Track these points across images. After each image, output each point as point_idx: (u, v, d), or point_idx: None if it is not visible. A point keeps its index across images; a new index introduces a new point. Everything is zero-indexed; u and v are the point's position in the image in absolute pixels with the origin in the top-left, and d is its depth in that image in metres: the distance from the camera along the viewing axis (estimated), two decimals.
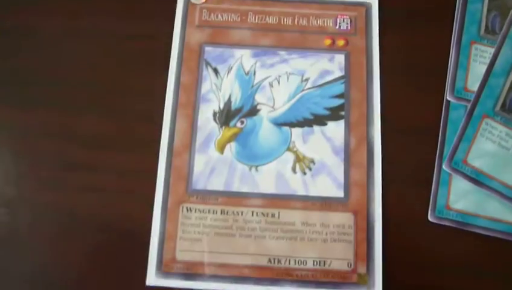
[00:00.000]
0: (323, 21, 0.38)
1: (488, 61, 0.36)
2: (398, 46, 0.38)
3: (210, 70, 0.37)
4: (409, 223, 0.34)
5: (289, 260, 0.33)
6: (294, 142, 0.36)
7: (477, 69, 0.37)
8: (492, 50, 0.36)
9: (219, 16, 0.38)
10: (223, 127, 0.36)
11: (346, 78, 0.37)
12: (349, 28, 0.38)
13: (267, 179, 0.35)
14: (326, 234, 0.34)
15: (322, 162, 0.35)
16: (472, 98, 0.36)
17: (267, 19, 0.38)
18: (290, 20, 0.38)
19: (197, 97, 0.36)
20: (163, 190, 0.34)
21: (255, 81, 0.37)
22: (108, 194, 0.35)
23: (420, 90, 0.37)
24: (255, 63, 0.37)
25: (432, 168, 0.35)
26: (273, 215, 0.34)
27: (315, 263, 0.33)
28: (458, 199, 0.35)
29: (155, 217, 0.34)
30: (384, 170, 0.35)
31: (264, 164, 0.35)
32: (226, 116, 0.36)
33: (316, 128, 0.36)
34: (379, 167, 0.35)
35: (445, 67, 0.37)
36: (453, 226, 0.34)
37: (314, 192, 0.34)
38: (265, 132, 0.36)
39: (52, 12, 0.39)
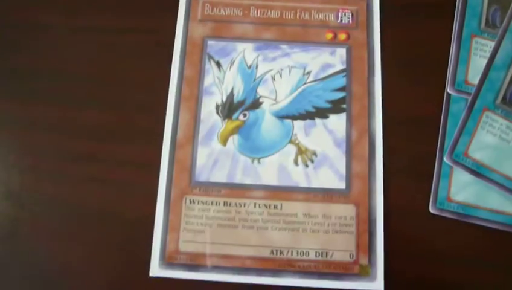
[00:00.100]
0: (325, 15, 0.38)
1: (488, 54, 0.37)
2: (399, 39, 0.38)
3: (213, 63, 0.37)
4: (410, 214, 0.35)
5: (291, 251, 0.34)
6: (296, 135, 0.36)
7: (477, 63, 0.37)
8: (492, 44, 0.37)
9: (221, 10, 0.39)
10: (226, 120, 0.36)
11: (348, 71, 0.37)
12: (350, 22, 0.38)
13: (269, 171, 0.35)
14: (328, 225, 0.34)
15: (324, 155, 0.35)
16: (473, 91, 0.36)
17: (269, 13, 0.39)
18: (291, 14, 0.38)
19: (200, 90, 0.37)
20: (167, 182, 0.35)
21: (257, 75, 0.37)
22: (112, 186, 0.35)
23: (421, 83, 0.37)
24: (257, 57, 0.38)
25: (433, 160, 0.36)
26: (275, 207, 0.34)
27: (317, 254, 0.34)
28: (459, 191, 0.35)
29: (158, 209, 0.34)
30: (385, 162, 0.35)
31: (266, 156, 0.35)
32: (228, 109, 0.36)
33: (317, 121, 0.36)
34: (380, 159, 0.35)
35: (445, 61, 0.37)
36: (454, 217, 0.34)
37: (316, 184, 0.35)
38: (268, 125, 0.36)
39: (53, 6, 0.39)
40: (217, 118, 0.36)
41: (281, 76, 0.37)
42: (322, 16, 0.38)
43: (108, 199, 0.35)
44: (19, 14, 0.39)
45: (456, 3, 0.38)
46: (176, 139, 0.36)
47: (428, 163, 0.36)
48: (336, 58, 0.37)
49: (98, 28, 0.39)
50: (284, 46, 0.38)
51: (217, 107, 0.36)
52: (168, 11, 0.39)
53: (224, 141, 0.36)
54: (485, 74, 0.36)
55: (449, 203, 0.35)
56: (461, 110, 0.36)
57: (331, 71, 0.37)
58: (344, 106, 0.36)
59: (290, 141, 0.36)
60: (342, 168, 0.35)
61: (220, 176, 0.35)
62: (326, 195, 0.35)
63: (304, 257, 0.34)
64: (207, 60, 0.37)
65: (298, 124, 0.36)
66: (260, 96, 0.37)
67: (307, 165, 0.35)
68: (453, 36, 0.38)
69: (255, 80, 0.37)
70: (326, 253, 0.34)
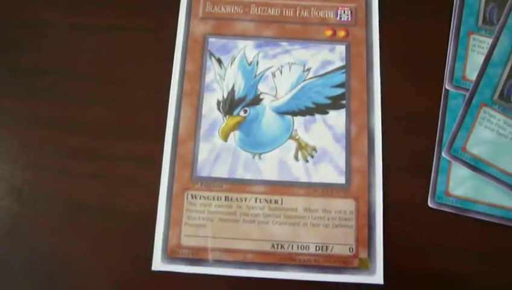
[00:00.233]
0: (324, 13, 0.39)
1: (486, 51, 0.37)
2: (398, 36, 0.38)
3: (214, 60, 0.38)
4: (409, 209, 0.35)
5: (292, 245, 0.34)
6: (296, 131, 0.36)
7: (475, 59, 0.37)
8: (490, 40, 0.37)
9: (222, 8, 0.39)
10: (227, 116, 0.36)
11: (347, 68, 0.38)
12: (349, 19, 0.39)
13: (270, 166, 0.35)
14: (328, 219, 0.34)
15: (324, 150, 0.36)
16: (470, 87, 0.36)
17: (270, 10, 0.39)
18: (291, 12, 0.39)
19: (201, 87, 0.37)
20: (169, 177, 0.35)
21: (258, 71, 0.38)
22: (114, 182, 0.36)
23: (419, 79, 0.38)
24: (258, 54, 0.38)
25: (432, 155, 0.36)
26: (276, 202, 0.35)
27: (317, 248, 0.34)
28: (457, 185, 0.35)
29: (160, 204, 0.35)
30: (384, 157, 0.36)
31: (267, 152, 0.36)
32: (229, 105, 0.37)
33: (317, 116, 0.37)
34: (379, 154, 0.36)
35: (444, 57, 0.38)
36: (453, 212, 0.35)
37: (316, 179, 0.35)
38: (268, 121, 0.36)
39: (54, 4, 0.40)
40: (218, 114, 0.37)
41: (281, 73, 0.37)
42: (321, 14, 0.39)
43: (110, 195, 0.35)
44: (20, 12, 0.40)
45: (453, 1, 0.39)
46: (178, 135, 0.36)
47: (427, 158, 0.36)
48: (335, 55, 0.38)
49: (99, 26, 0.39)
50: (284, 43, 0.38)
51: (218, 103, 0.37)
52: (170, 9, 0.39)
53: (225, 137, 0.36)
54: (483, 70, 0.37)
55: (447, 198, 0.35)
56: (459, 106, 0.37)
57: (330, 68, 0.38)
58: (343, 102, 0.37)
59: (290, 137, 0.36)
60: (342, 163, 0.35)
61: (221, 171, 0.35)
62: (326, 190, 0.35)
63: (305, 251, 0.34)
64: (208, 57, 0.38)
65: (298, 120, 0.36)
66: (261, 93, 0.37)
67: (307, 161, 0.36)
68: (451, 33, 0.38)
69: (255, 76, 0.37)
70: (327, 247, 0.34)
